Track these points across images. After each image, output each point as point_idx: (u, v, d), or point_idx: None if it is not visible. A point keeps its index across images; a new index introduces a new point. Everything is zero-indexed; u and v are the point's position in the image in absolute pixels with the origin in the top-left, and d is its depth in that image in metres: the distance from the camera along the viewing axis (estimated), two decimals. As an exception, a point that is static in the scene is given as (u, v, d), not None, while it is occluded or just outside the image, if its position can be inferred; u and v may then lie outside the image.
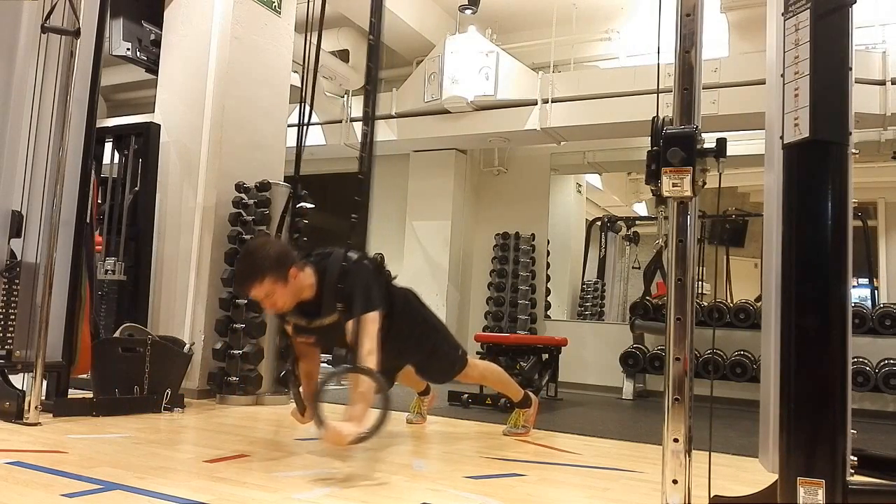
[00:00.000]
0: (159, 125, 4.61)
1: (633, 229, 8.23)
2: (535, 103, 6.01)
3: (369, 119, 2.95)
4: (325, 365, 3.00)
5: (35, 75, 3.30)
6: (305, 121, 3.73)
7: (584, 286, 7.95)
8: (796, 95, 1.66)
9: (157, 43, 4.84)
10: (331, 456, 2.65)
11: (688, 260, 1.75)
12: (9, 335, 3.19)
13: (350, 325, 2.49)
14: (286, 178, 4.61)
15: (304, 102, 4.35)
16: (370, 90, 2.86)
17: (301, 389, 2.86)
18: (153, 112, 4.73)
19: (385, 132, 6.66)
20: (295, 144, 4.60)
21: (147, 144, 4.55)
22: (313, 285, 2.62)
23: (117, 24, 4.76)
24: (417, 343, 3.00)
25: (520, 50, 6.56)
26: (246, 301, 4.21)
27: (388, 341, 2.74)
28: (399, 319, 2.82)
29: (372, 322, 2.49)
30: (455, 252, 6.96)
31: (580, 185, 8.07)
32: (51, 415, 3.17)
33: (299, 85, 5.08)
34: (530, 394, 3.44)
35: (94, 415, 3.32)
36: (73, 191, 3.34)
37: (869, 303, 6.68)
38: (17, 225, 3.26)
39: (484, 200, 7.37)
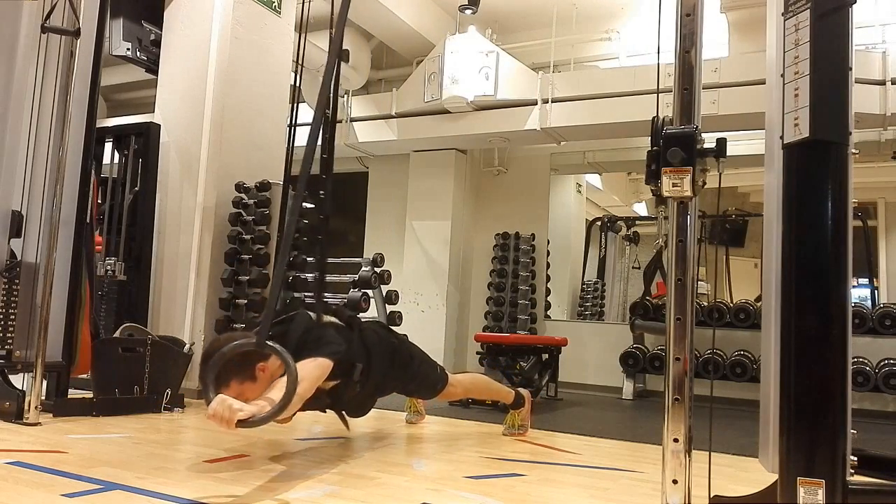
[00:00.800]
0: (159, 125, 4.61)
1: (633, 229, 8.23)
2: (535, 103, 6.00)
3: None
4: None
5: (35, 75, 3.30)
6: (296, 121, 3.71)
7: (584, 286, 7.96)
8: (796, 95, 1.66)
9: (157, 43, 4.84)
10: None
11: (688, 260, 1.75)
12: (9, 335, 3.19)
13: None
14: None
15: (297, 102, 4.35)
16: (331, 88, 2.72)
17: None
18: (153, 112, 4.73)
19: (385, 132, 6.66)
20: (295, 144, 4.61)
21: (147, 144, 4.55)
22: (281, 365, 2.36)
23: (117, 24, 4.76)
24: (396, 376, 2.96)
25: (520, 50, 6.56)
26: (246, 301, 4.21)
27: (369, 383, 2.75)
28: (378, 360, 2.79)
29: (319, 366, 2.33)
30: (455, 252, 6.96)
31: (580, 185, 8.07)
32: (51, 415, 3.17)
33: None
34: (522, 392, 3.44)
35: (94, 415, 3.32)
36: (73, 191, 3.34)
37: (869, 303, 6.69)
38: (17, 225, 3.26)
39: (484, 200, 7.37)
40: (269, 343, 2.08)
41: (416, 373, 3.05)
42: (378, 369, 2.79)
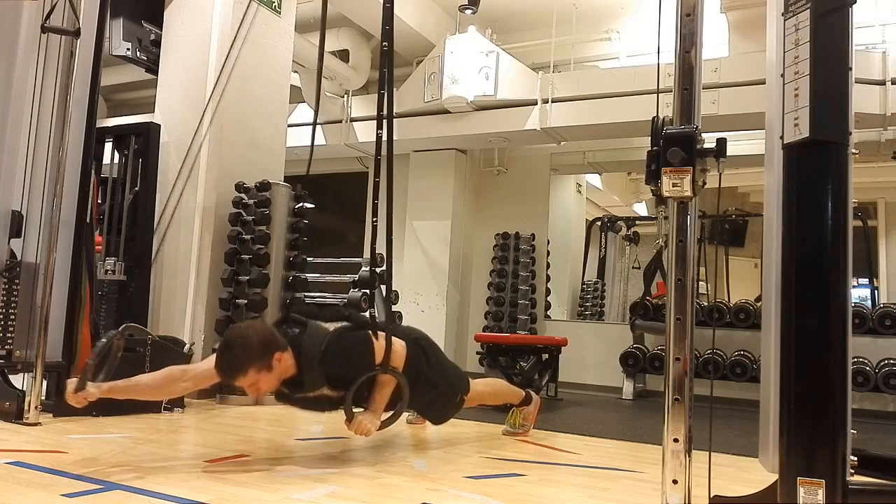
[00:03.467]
0: (159, 125, 4.61)
1: (633, 229, 8.23)
2: (535, 103, 6.00)
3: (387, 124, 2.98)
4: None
5: (35, 75, 3.30)
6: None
7: (584, 286, 7.95)
8: (796, 95, 1.66)
9: (157, 43, 4.84)
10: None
11: (688, 260, 1.75)
12: (9, 335, 3.19)
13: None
14: (286, 179, 4.61)
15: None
16: (387, 98, 2.90)
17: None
18: (153, 112, 4.73)
19: (385, 132, 6.66)
20: (295, 144, 4.61)
21: (147, 144, 4.54)
22: (294, 364, 2.51)
23: (117, 24, 4.76)
24: (415, 395, 2.84)
25: (520, 50, 6.55)
26: (246, 301, 4.21)
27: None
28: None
29: (387, 383, 2.70)
30: (455, 252, 6.96)
31: (580, 185, 8.07)
32: (51, 415, 3.17)
33: (300, 85, 5.07)
34: (532, 393, 3.44)
35: (94, 415, 3.31)
36: (73, 191, 3.34)
37: (869, 303, 6.68)
38: (17, 225, 3.25)
39: (484, 200, 7.37)
40: (397, 371, 2.68)
41: (433, 402, 3.00)
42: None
